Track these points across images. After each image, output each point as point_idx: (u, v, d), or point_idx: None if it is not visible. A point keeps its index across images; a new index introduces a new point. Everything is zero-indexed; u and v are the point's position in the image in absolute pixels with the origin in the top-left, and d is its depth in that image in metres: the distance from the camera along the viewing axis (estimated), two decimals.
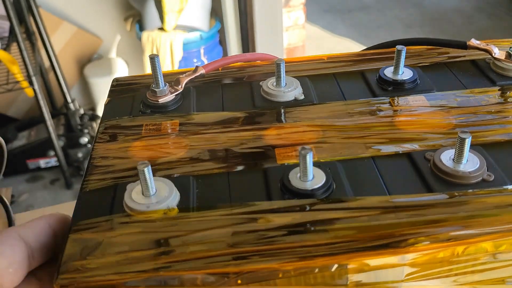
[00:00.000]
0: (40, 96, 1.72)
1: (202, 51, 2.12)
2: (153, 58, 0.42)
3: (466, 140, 0.33)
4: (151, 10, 2.06)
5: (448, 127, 0.40)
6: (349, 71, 0.48)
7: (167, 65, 2.08)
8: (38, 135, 2.01)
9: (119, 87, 0.48)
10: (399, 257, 0.30)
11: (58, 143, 1.82)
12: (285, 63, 0.46)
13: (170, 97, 0.44)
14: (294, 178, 0.34)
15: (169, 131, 0.41)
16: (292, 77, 0.47)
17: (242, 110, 0.43)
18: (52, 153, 1.96)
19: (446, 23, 2.80)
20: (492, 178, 0.34)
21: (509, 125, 0.40)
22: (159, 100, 0.44)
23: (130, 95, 0.46)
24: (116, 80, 0.49)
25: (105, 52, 2.37)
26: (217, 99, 0.45)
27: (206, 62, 2.14)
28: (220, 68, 0.50)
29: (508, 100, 0.43)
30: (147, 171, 0.32)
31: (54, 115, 1.99)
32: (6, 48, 1.86)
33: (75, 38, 2.27)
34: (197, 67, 0.46)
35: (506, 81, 0.45)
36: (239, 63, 0.50)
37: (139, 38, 2.11)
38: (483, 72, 0.47)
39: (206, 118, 0.43)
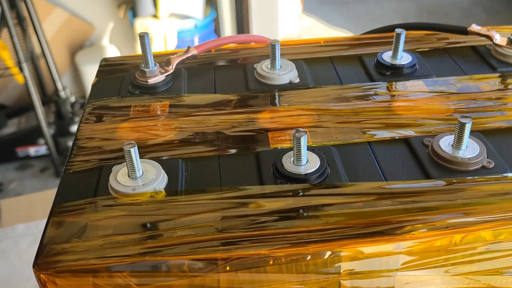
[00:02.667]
0: (30, 83, 1.69)
1: (196, 39, 2.09)
2: (143, 36, 0.41)
3: (467, 125, 0.32)
4: None
5: (447, 113, 0.39)
6: (346, 55, 0.47)
7: None
8: (28, 122, 1.98)
9: (108, 67, 0.46)
10: (395, 244, 0.29)
11: (48, 131, 1.79)
12: (281, 46, 0.45)
13: (160, 78, 0.42)
14: (287, 162, 0.33)
15: (159, 112, 0.40)
16: (288, 60, 0.45)
17: (235, 92, 0.42)
18: (42, 141, 1.93)
19: (443, 17, 2.78)
20: (492, 165, 0.33)
21: (509, 112, 0.38)
22: (149, 80, 0.42)
23: (119, 75, 0.44)
24: (104, 60, 0.47)
25: (97, 39, 2.33)
26: (209, 81, 0.44)
27: None
28: (213, 50, 0.48)
29: (509, 87, 0.41)
30: (134, 152, 0.31)
31: (44, 103, 1.96)
32: None
33: (67, 24, 2.23)
34: (189, 47, 0.45)
35: (506, 68, 0.44)
36: (232, 45, 0.48)
37: (132, 26, 2.08)
38: (483, 58, 0.46)
39: (198, 100, 0.41)
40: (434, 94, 0.41)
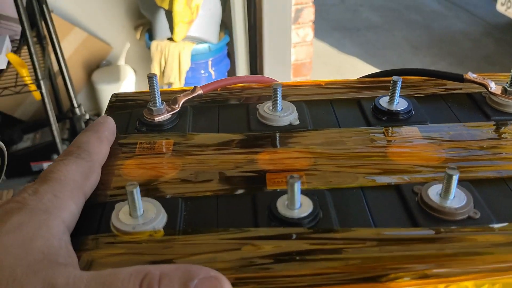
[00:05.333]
0: (47, 100, 1.74)
1: (210, 62, 2.13)
2: (151, 77, 0.43)
3: (454, 176, 0.34)
4: (161, 20, 2.08)
5: (439, 161, 0.40)
6: (345, 98, 0.49)
7: (174, 75, 2.09)
8: (43, 138, 2.02)
9: (118, 103, 0.48)
10: None
11: (62, 147, 1.83)
12: (284, 86, 0.47)
13: (166, 116, 0.44)
14: (282, 206, 0.35)
15: (163, 150, 0.42)
16: (289, 101, 0.47)
17: (237, 132, 0.44)
18: (55, 156, 1.97)
19: (454, 46, 2.81)
20: (478, 216, 0.34)
21: (499, 161, 0.40)
22: (155, 118, 0.44)
23: (128, 111, 0.47)
24: (115, 95, 0.49)
25: (114, 59, 2.39)
26: (213, 120, 0.46)
27: (213, 73, 2.15)
28: (219, 89, 0.50)
29: (501, 136, 0.43)
30: (135, 192, 0.33)
31: (60, 119, 2.00)
32: (17, 51, 1.88)
33: (85, 44, 2.29)
34: (195, 87, 0.47)
35: (500, 117, 0.45)
36: (238, 85, 0.50)
37: (149, 47, 2.13)
38: (478, 106, 0.47)
39: (201, 139, 0.43)
40: (428, 140, 0.42)
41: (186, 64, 2.07)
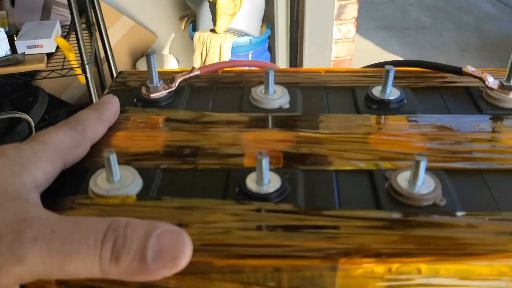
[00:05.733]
0: (91, 84, 1.81)
1: (250, 55, 2.15)
2: (149, 55, 0.45)
3: (421, 163, 0.34)
4: (205, 12, 2.11)
5: (420, 150, 0.40)
6: (341, 86, 0.49)
7: None
8: None
9: (122, 79, 0.51)
10: (330, 266, 0.31)
11: None
12: (284, 72, 0.48)
13: (162, 94, 0.47)
14: (251, 181, 0.36)
15: (154, 125, 0.44)
16: (285, 86, 0.48)
17: (228, 112, 0.45)
18: None
19: (504, 50, 2.71)
20: (443, 203, 0.34)
21: (480, 153, 0.39)
22: (151, 95, 0.46)
23: (129, 88, 0.49)
24: (120, 72, 0.52)
25: (158, 48, 2.45)
26: (207, 100, 0.47)
27: None
28: (220, 71, 0.52)
29: (490, 130, 0.42)
30: (112, 159, 0.35)
31: None
32: (66, 36, 1.97)
33: (132, 32, 2.36)
34: (193, 67, 0.49)
35: (493, 111, 0.45)
36: (239, 68, 0.52)
37: (192, 38, 2.17)
38: (474, 99, 0.47)
39: (191, 116, 0.45)
40: (414, 130, 0.42)
41: (226, 56, 2.10)
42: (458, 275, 0.31)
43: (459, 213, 0.34)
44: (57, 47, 1.84)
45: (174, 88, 0.47)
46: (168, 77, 0.49)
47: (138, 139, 0.42)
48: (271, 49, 2.25)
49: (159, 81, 0.47)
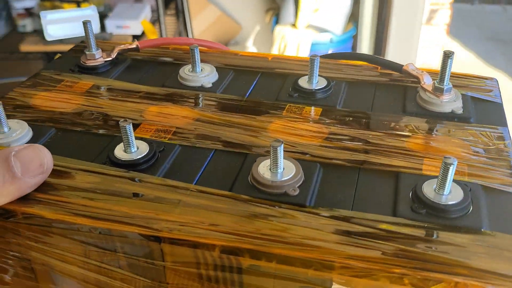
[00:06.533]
0: None
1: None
2: (86, 23, 0.47)
3: (278, 148, 0.33)
4: (289, 6, 2.10)
5: (314, 141, 0.38)
6: (276, 73, 0.48)
7: None
8: None
9: (77, 48, 0.53)
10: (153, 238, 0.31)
11: None
12: (232, 54, 0.48)
13: (97, 62, 0.48)
14: (119, 150, 0.37)
15: (79, 90, 0.46)
16: (222, 67, 0.48)
17: (151, 86, 0.46)
18: None
19: None
20: (295, 193, 0.33)
21: (371, 153, 0.37)
22: (87, 62, 0.48)
23: (78, 55, 0.51)
24: (82, 41, 0.54)
25: (242, 39, 2.48)
26: (139, 73, 0.48)
27: None
28: (171, 47, 0.53)
29: (401, 131, 0.39)
30: (1, 111, 0.37)
31: None
32: (155, 22, 2.08)
33: (218, 21, 2.42)
34: (135, 40, 0.50)
35: (417, 111, 0.41)
36: (182, 46, 0.52)
37: (272, 31, 2.18)
38: (405, 99, 0.43)
39: (115, 85, 0.46)
40: (323, 123, 0.40)
41: (304, 53, 2.07)
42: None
43: (306, 204, 0.32)
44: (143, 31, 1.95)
45: (111, 58, 0.49)
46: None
47: (57, 100, 0.44)
48: (354, 48, 2.18)
49: (97, 49, 0.49)
